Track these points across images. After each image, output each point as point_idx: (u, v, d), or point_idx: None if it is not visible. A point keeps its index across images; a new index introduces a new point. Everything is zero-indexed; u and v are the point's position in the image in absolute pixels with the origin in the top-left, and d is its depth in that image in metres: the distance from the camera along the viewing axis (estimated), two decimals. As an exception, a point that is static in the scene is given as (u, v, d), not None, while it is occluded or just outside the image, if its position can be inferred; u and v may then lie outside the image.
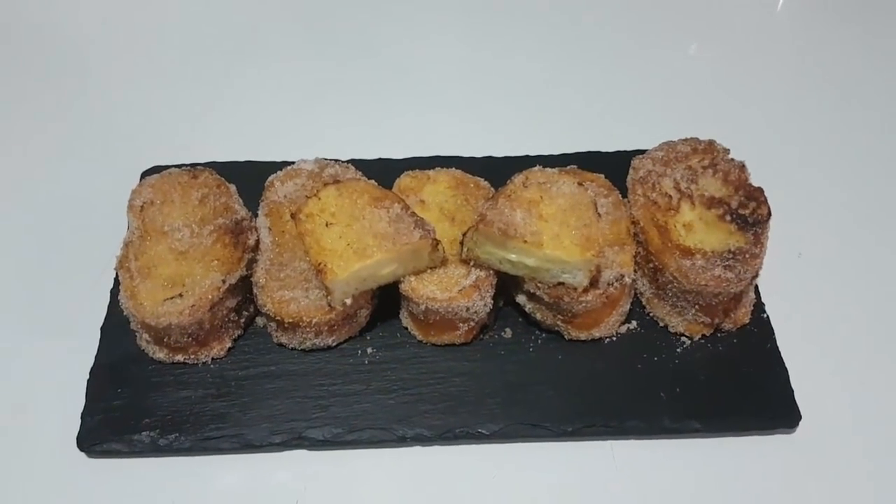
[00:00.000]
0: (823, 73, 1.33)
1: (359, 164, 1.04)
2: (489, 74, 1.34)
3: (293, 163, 1.03)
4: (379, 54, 1.37)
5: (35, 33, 1.40)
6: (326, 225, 0.87)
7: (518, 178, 0.91)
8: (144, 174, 1.10)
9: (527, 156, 1.12)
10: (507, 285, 0.94)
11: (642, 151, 1.02)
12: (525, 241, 0.85)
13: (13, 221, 1.11)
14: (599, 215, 0.88)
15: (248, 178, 1.02)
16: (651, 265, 0.93)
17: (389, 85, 1.32)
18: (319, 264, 0.85)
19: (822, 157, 1.21)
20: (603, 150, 1.14)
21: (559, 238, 0.86)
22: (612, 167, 1.02)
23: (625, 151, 1.11)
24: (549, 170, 0.92)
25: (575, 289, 0.88)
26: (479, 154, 1.13)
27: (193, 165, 1.03)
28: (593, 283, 0.88)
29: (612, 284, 0.90)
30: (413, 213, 0.89)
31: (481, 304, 0.90)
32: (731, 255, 0.89)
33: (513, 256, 0.87)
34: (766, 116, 1.27)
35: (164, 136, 1.23)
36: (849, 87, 1.31)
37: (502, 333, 0.96)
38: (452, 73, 1.34)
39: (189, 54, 1.37)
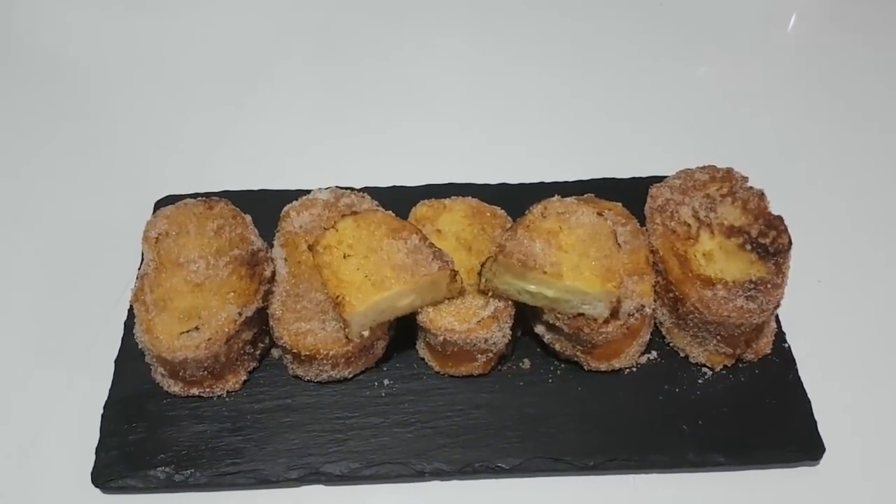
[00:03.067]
0: (839, 97, 1.32)
1: (374, 193, 1.04)
2: (503, 101, 1.33)
3: (308, 191, 1.03)
4: (391, 81, 1.37)
5: (51, 63, 1.40)
6: (344, 257, 0.86)
7: (536, 209, 0.90)
8: (158, 204, 1.10)
9: (542, 182, 1.12)
10: (525, 316, 0.93)
11: (659, 178, 1.02)
12: (545, 272, 0.84)
13: (26, 252, 1.11)
14: (619, 245, 0.87)
15: (263, 208, 1.01)
16: (671, 295, 0.92)
17: (402, 112, 1.32)
18: (337, 297, 0.84)
19: (838, 181, 1.19)
20: (619, 175, 1.13)
21: (579, 269, 0.85)
22: (629, 194, 1.02)
23: (641, 178, 1.10)
24: (567, 199, 0.91)
25: (595, 320, 0.87)
26: (493, 181, 1.13)
27: (208, 195, 1.03)
28: (613, 314, 0.87)
29: (633, 315, 0.89)
30: (431, 245, 0.88)
31: (500, 334, 0.89)
32: (752, 286, 0.88)
33: (532, 287, 0.86)
34: (781, 141, 1.26)
35: (178, 166, 1.22)
36: (866, 110, 1.30)
37: (520, 364, 0.95)
38: (466, 100, 1.34)
39: (202, 84, 1.37)
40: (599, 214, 0.89)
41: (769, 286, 0.88)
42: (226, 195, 1.03)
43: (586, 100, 1.33)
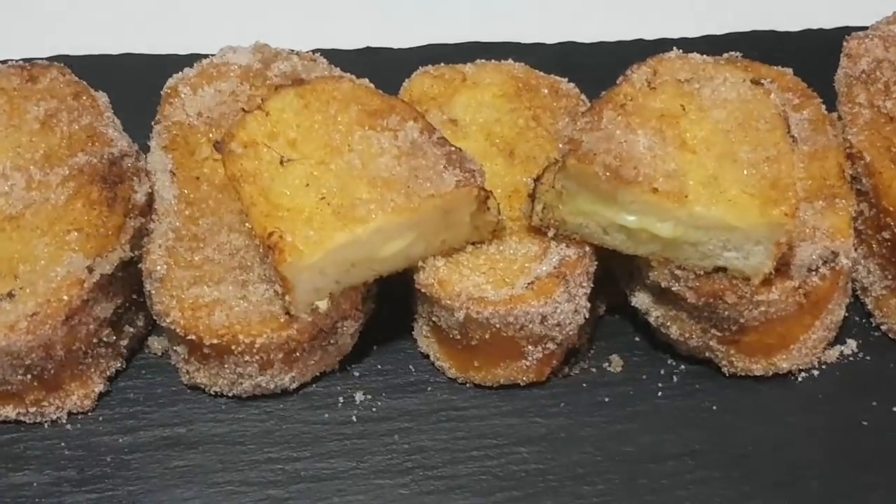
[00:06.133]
0: None
1: (333, 57, 1.02)
2: None
3: (212, 56, 1.01)
4: None
5: None
6: (281, 162, 0.83)
7: (637, 74, 0.88)
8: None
9: (640, 40, 1.11)
10: (613, 277, 0.91)
11: (856, 30, 1.00)
12: (655, 190, 0.80)
13: None
14: (794, 139, 0.83)
15: (130, 83, 1.02)
16: (886, 234, 0.88)
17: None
18: (270, 236, 0.80)
19: None
20: (781, 28, 1.12)
21: (718, 183, 0.81)
22: (801, 57, 1.00)
23: (822, 30, 1.09)
24: (695, 56, 0.89)
25: (747, 279, 0.84)
26: (550, 39, 1.11)
27: (31, 60, 1.00)
28: (781, 268, 0.83)
29: (816, 271, 0.85)
30: (442, 140, 0.85)
31: (569, 308, 0.86)
32: None
33: (631, 219, 0.83)
34: None
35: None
36: None
37: (605, 365, 0.93)
38: None
39: None
40: (755, 83, 0.86)
41: None
42: (64, 61, 1.01)
43: None
